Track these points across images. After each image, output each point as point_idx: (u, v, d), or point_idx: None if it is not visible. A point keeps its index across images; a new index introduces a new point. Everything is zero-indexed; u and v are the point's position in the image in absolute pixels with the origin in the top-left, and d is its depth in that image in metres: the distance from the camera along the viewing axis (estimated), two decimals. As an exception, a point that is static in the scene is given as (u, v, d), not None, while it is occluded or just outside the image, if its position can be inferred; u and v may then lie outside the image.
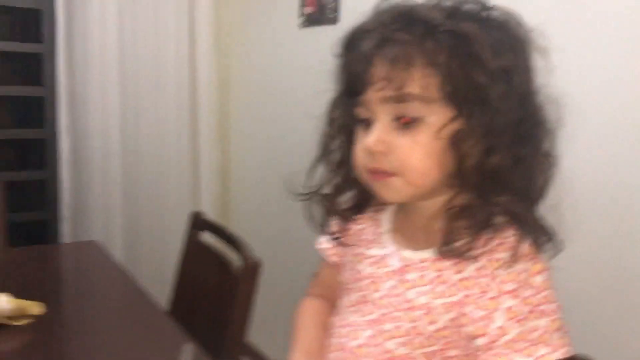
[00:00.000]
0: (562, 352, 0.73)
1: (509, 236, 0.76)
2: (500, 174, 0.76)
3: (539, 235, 0.76)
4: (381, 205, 0.90)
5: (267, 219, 2.59)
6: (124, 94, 2.48)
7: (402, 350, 0.81)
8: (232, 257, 1.56)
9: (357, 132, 0.83)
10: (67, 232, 2.42)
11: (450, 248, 0.77)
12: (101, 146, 2.46)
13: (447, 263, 0.79)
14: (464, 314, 0.77)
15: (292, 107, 2.39)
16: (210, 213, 2.56)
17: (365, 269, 0.87)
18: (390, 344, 0.82)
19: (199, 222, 1.74)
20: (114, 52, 2.42)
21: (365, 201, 0.90)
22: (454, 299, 0.78)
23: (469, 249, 0.76)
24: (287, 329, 0.97)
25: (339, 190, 0.89)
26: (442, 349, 0.79)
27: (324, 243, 0.98)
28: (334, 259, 0.97)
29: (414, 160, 0.77)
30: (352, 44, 0.80)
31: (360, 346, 0.85)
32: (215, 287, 1.51)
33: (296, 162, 2.80)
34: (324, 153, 0.90)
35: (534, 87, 0.79)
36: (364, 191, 0.86)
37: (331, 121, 0.89)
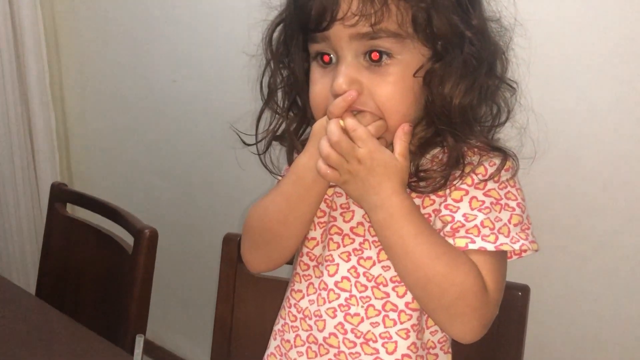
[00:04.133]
0: (518, 246, 0.74)
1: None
2: (474, 110, 0.74)
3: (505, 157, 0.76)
4: None
5: (116, 181, 2.38)
6: None
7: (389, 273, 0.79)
8: (108, 228, 1.40)
9: (312, 70, 0.75)
10: None
11: (425, 188, 0.76)
12: None
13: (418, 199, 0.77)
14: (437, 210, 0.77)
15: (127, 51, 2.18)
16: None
17: (337, 199, 0.83)
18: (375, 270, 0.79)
19: (62, 194, 1.53)
20: None
21: None
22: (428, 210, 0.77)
23: (442, 187, 0.75)
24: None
25: (297, 132, 0.82)
26: None
27: None
28: None
29: (392, 101, 0.71)
30: None
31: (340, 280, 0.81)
32: (102, 265, 1.35)
33: (142, 112, 2.53)
34: (270, 97, 0.81)
35: (489, 15, 0.77)
36: None
37: (275, 59, 0.80)
